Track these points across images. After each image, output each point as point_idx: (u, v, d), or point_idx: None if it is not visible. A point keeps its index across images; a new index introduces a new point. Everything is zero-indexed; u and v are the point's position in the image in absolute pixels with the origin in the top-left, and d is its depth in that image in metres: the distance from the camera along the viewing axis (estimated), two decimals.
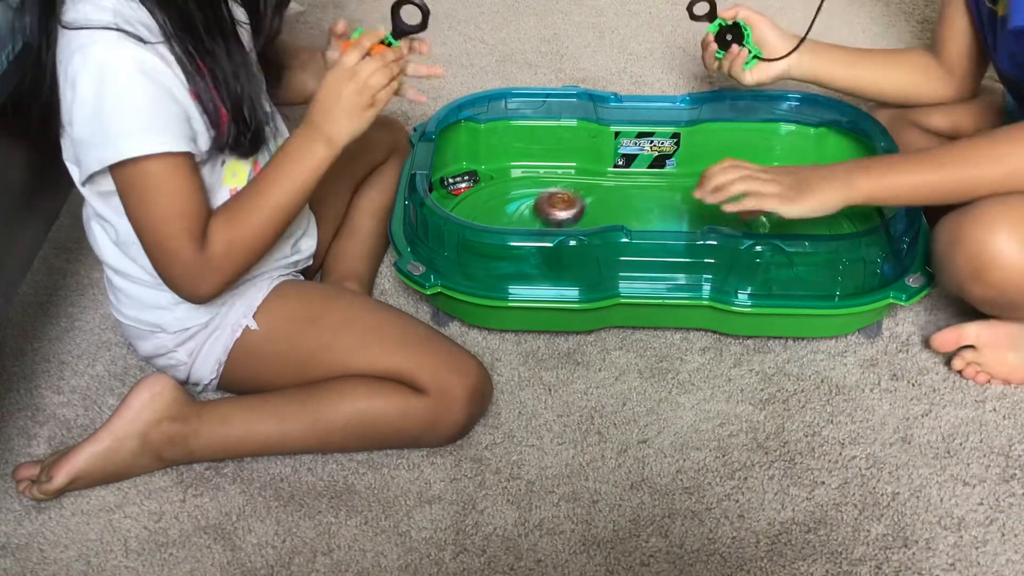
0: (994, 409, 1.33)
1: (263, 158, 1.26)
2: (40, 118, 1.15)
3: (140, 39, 1.09)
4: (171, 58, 1.12)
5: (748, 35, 1.55)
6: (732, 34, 1.56)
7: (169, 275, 1.17)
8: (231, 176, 1.22)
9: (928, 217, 1.50)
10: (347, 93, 1.18)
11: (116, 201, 1.16)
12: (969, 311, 1.37)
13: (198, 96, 1.14)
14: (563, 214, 1.54)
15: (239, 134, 1.19)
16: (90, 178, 1.15)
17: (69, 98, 1.10)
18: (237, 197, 1.20)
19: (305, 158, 1.19)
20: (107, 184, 1.16)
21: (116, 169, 1.12)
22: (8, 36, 1.22)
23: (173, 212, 1.13)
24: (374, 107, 1.20)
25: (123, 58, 1.08)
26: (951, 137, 1.56)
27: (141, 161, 1.10)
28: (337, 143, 1.19)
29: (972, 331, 1.34)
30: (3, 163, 1.24)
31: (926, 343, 1.39)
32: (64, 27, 1.10)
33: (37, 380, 1.39)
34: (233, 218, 1.18)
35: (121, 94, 1.09)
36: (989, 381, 1.35)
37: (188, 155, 1.13)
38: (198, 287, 1.18)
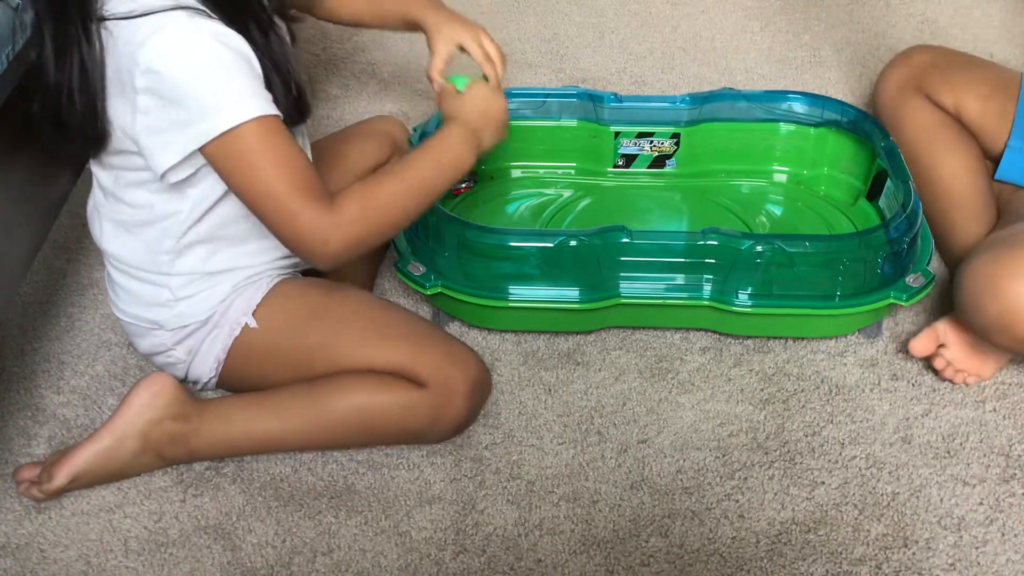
0: (994, 409, 1.33)
1: (299, 139, 1.26)
2: (50, 122, 1.15)
3: (207, 14, 1.10)
4: None
5: None
6: None
7: (294, 235, 1.15)
8: None
9: (939, 245, 1.47)
10: (501, 107, 1.33)
11: (184, 186, 1.16)
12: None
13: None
14: None
15: (282, 101, 1.18)
16: (169, 168, 1.13)
17: (142, 85, 1.09)
18: (377, 173, 1.23)
19: (457, 155, 1.26)
20: (185, 171, 1.15)
21: (213, 144, 1.10)
22: (8, 36, 1.22)
23: (284, 171, 1.12)
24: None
25: (202, 32, 1.09)
26: (952, 116, 1.51)
27: (242, 128, 1.09)
28: (481, 153, 1.30)
29: (942, 328, 1.33)
30: (3, 163, 1.24)
31: (904, 349, 1.38)
32: (110, 20, 1.09)
33: (37, 380, 1.39)
34: (369, 186, 1.19)
35: (209, 66, 1.08)
36: (965, 380, 1.33)
37: (279, 118, 1.13)
38: (327, 242, 1.14)
